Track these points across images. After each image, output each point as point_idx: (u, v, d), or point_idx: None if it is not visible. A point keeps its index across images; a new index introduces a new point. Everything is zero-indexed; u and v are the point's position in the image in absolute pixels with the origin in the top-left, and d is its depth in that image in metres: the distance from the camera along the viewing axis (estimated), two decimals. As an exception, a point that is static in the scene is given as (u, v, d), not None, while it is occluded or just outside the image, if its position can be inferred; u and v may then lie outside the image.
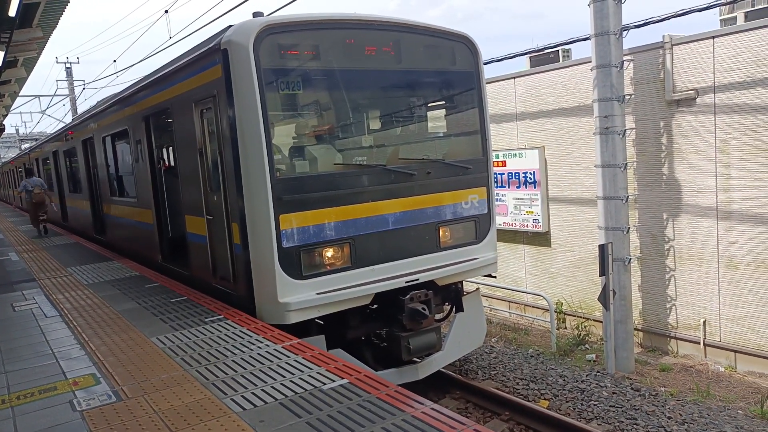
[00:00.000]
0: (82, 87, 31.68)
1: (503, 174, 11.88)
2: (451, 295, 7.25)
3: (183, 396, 3.86)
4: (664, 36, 9.19)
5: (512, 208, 11.90)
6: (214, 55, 5.96)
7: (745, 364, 8.69)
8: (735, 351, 8.80)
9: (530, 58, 12.45)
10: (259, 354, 4.60)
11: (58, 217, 16.43)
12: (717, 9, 11.51)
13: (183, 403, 3.74)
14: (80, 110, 29.82)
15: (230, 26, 5.86)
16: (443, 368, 7.37)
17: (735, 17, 11.92)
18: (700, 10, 8.96)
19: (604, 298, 8.48)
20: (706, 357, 9.12)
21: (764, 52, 8.08)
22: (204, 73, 6.29)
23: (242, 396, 3.81)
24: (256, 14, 6.23)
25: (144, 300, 6.63)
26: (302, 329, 5.75)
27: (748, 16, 10.37)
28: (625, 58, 8.96)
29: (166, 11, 15.01)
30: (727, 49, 8.50)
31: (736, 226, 8.62)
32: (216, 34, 6.13)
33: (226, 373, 4.22)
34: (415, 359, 6.69)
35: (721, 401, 7.45)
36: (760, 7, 13.63)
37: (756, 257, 8.44)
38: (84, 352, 4.92)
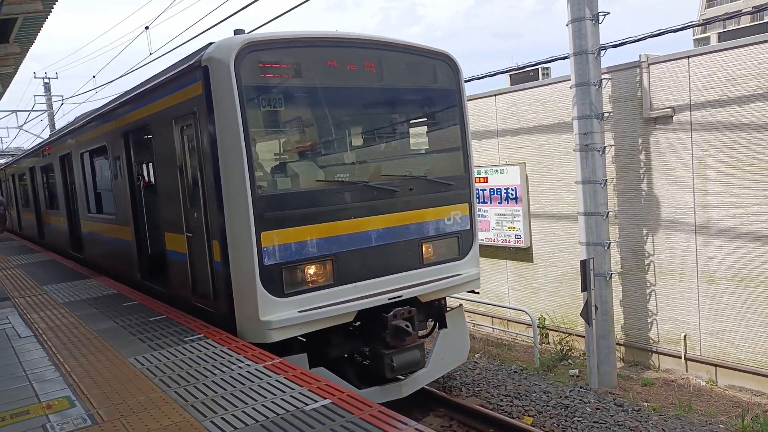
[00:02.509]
0: (61, 102, 31.33)
1: (485, 190, 11.94)
2: (434, 311, 7.22)
3: (161, 418, 3.77)
4: (641, 55, 9.38)
5: (494, 223, 11.96)
6: (194, 72, 5.92)
7: (725, 378, 8.77)
8: (715, 365, 8.88)
9: (510, 76, 12.62)
10: (239, 374, 4.52)
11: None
12: (691, 30, 11.81)
13: (161, 426, 3.65)
14: (58, 126, 29.44)
15: (211, 43, 5.84)
16: (427, 385, 7.32)
17: (708, 37, 12.23)
18: (675, 31, 9.19)
19: (586, 314, 8.52)
20: (687, 371, 9.19)
21: (738, 72, 8.28)
22: (184, 90, 6.24)
23: (222, 418, 3.72)
24: (237, 31, 6.22)
25: (122, 319, 6.49)
26: (284, 348, 5.67)
27: (720, 37, 10.63)
28: (603, 76, 9.10)
29: (147, 27, 14.95)
30: (702, 69, 8.69)
31: (714, 241, 8.75)
32: (197, 50, 6.10)
33: (206, 394, 4.13)
34: (398, 377, 6.63)
35: (703, 415, 7.49)
36: (731, 28, 14.02)
37: (734, 272, 8.55)
38: (59, 374, 4.79)
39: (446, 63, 7.15)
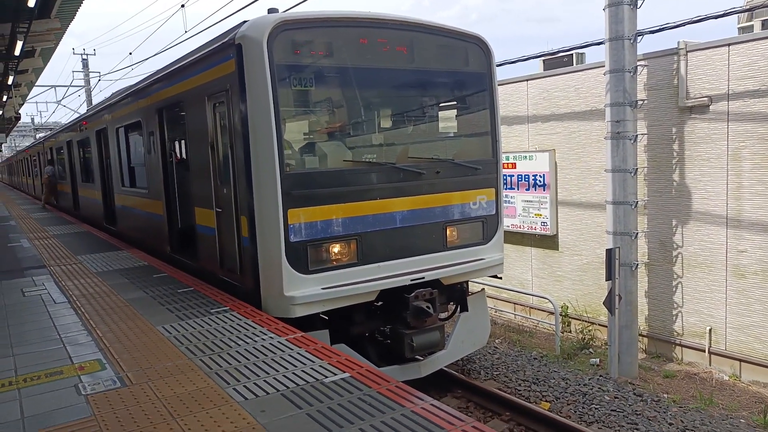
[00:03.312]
0: (98, 78, 32.04)
1: (513, 176, 11.87)
2: (456, 294, 7.27)
3: (186, 384, 3.92)
4: (679, 42, 9.16)
5: (521, 210, 11.90)
6: (228, 50, 6.01)
7: (749, 373, 8.65)
8: (740, 360, 8.76)
9: (544, 61, 12.44)
10: (263, 345, 4.65)
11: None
12: (736, 17, 11.45)
13: (186, 391, 3.80)
14: (95, 101, 30.11)
15: (245, 21, 5.91)
16: (446, 367, 7.40)
17: (752, 25, 11.83)
18: (716, 17, 8.92)
19: (609, 303, 8.47)
20: (710, 365, 9.09)
21: (779, 61, 8.03)
22: (218, 68, 6.34)
23: (244, 386, 3.86)
24: (270, 10, 6.27)
25: (151, 289, 6.71)
26: (307, 323, 5.79)
27: (765, 25, 10.30)
28: (639, 63, 8.94)
29: (183, 5, 15.13)
30: (742, 57, 8.46)
31: (746, 234, 8.57)
32: (230, 29, 6.18)
33: (230, 363, 4.27)
34: (417, 357, 6.71)
35: (724, 410, 7.42)
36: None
37: (765, 266, 8.39)
38: (91, 338, 5.00)
39: (478, 46, 7.09)
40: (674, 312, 9.57)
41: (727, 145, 8.70)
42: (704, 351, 9.15)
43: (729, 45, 8.63)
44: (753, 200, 8.45)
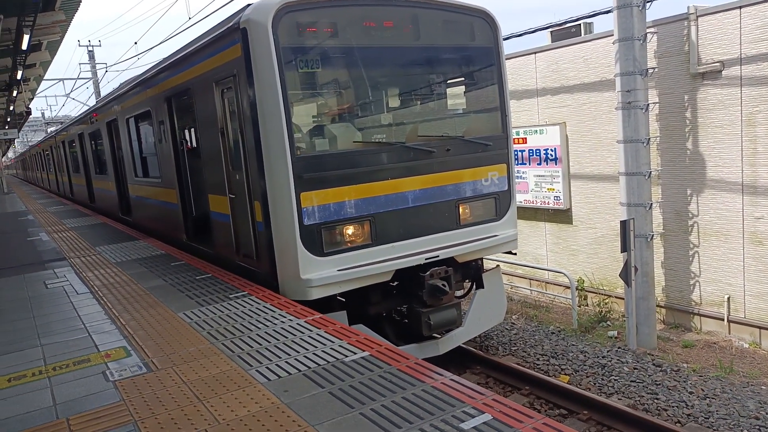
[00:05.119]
0: (105, 70, 32.08)
1: (524, 151, 11.79)
2: (471, 272, 7.29)
3: (210, 367, 3.99)
4: (689, 7, 8.98)
5: (533, 185, 11.84)
6: (233, 35, 5.99)
7: (769, 340, 8.62)
8: (760, 327, 8.72)
9: (551, 32, 12.25)
10: (282, 328, 4.72)
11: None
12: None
13: (210, 374, 3.87)
14: (103, 93, 30.18)
15: (249, 5, 5.89)
16: (464, 344, 7.45)
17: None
18: (727, -20, 8.73)
19: (625, 275, 8.45)
20: (730, 333, 9.06)
21: (794, 22, 7.86)
22: (224, 53, 6.34)
23: (267, 367, 3.93)
24: (273, -8, 6.22)
25: (170, 277, 6.80)
26: (324, 305, 5.85)
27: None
28: (648, 30, 8.78)
29: (185, -8, 15.03)
30: (754, 20, 8.28)
31: (762, 201, 8.47)
32: (235, 13, 6.16)
33: (251, 346, 4.34)
34: (435, 335, 6.77)
35: (745, 377, 7.42)
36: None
37: (782, 232, 8.30)
38: (114, 327, 5.09)
39: (484, 20, 7.01)
40: (691, 282, 9.52)
41: (741, 110, 8.56)
42: (723, 319, 9.12)
43: (740, 8, 8.44)
44: (769, 166, 8.34)
